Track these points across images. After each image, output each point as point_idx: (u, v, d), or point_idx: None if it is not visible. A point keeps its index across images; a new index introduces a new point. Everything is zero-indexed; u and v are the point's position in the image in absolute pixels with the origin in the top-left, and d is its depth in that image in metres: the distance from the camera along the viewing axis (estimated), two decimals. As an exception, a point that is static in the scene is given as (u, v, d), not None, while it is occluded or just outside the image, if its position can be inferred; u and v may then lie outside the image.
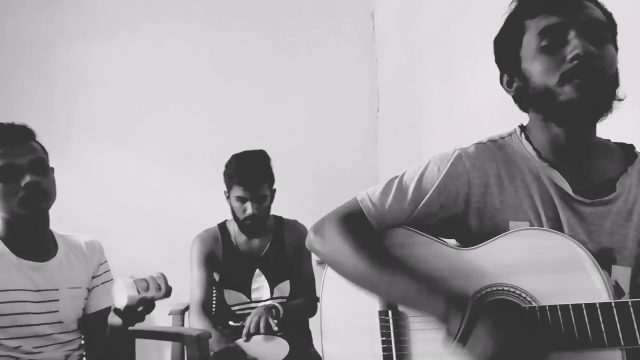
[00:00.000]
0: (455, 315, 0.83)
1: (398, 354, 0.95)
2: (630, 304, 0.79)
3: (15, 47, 3.19)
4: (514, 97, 1.00)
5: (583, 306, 0.82)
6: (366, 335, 0.99)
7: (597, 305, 0.81)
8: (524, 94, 0.95)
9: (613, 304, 0.80)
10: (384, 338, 0.97)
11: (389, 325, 0.97)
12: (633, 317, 0.78)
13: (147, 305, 1.21)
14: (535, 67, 0.90)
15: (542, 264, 0.87)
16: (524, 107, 1.01)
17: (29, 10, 3.23)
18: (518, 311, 0.87)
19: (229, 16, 3.32)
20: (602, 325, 0.80)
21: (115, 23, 3.27)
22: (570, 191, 0.92)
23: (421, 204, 0.97)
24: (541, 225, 0.92)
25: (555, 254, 0.86)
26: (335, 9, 3.39)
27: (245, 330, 1.79)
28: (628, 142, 1.01)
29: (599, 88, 0.86)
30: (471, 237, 0.96)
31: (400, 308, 0.97)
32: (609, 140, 1.01)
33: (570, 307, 0.82)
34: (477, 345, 0.80)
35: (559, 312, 0.83)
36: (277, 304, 1.90)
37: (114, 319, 1.24)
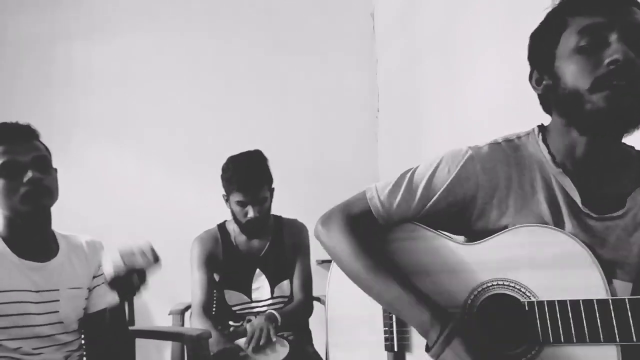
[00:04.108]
0: (435, 330, 0.88)
1: (399, 344, 0.98)
2: (627, 300, 0.80)
3: (17, 47, 3.19)
4: (540, 96, 0.97)
5: (580, 302, 0.83)
6: (369, 325, 1.02)
7: (595, 301, 0.82)
8: (552, 95, 0.92)
9: (610, 301, 0.81)
10: (387, 328, 1.00)
11: (392, 316, 0.99)
12: (629, 314, 0.79)
13: (139, 275, 1.22)
14: (569, 67, 0.86)
15: (542, 260, 0.88)
16: (547, 108, 0.97)
17: (31, 11, 3.23)
18: (515, 306, 0.88)
19: (229, 16, 3.33)
20: (599, 321, 0.81)
21: (115, 23, 3.27)
22: (579, 202, 0.90)
23: (429, 204, 0.99)
24: None
25: (554, 249, 0.87)
26: (335, 9, 3.39)
27: (253, 344, 1.75)
28: None
29: (630, 100, 0.81)
30: (476, 235, 0.97)
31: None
32: (632, 147, 0.96)
33: (568, 302, 0.84)
34: None
35: (557, 307, 0.84)
36: (275, 312, 1.87)
37: (110, 297, 1.25)
